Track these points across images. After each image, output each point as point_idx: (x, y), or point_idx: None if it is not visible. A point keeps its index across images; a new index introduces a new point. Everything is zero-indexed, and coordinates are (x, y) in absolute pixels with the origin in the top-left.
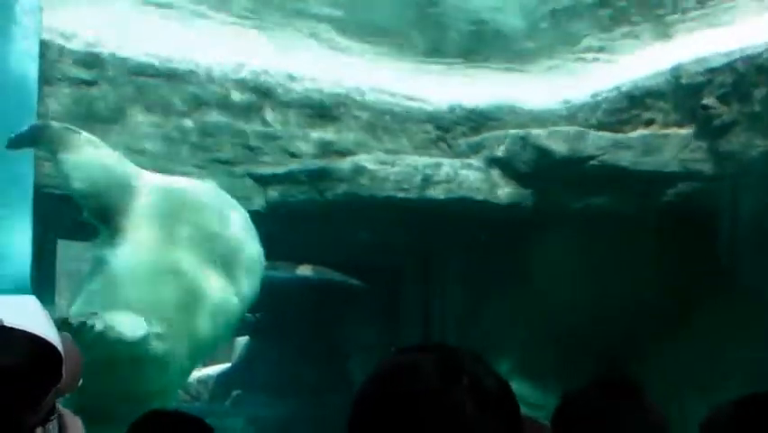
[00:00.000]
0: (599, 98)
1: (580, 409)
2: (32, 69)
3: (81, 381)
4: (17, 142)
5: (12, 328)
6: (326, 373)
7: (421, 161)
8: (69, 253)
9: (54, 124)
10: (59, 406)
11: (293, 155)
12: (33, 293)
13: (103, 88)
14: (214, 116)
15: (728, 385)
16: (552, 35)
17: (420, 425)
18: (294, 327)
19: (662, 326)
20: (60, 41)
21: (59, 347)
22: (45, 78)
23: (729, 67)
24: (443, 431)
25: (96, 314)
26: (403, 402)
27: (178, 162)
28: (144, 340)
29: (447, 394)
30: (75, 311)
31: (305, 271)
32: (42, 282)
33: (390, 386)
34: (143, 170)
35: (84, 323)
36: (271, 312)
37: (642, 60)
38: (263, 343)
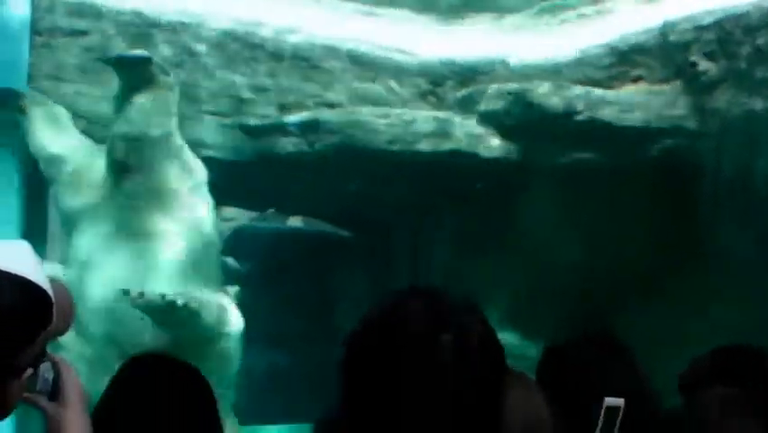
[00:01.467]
0: (587, 54)
1: (564, 361)
2: (22, 18)
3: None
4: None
5: (0, 271)
6: (316, 323)
7: (411, 113)
8: None
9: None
10: (53, 353)
11: (283, 107)
12: (24, 237)
13: (94, 39)
14: (204, 67)
15: (710, 345)
16: None
17: (402, 369)
18: (284, 277)
19: (647, 283)
20: None
21: (49, 291)
22: (36, 29)
23: (716, 24)
24: (423, 376)
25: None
26: (389, 346)
27: None
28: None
29: (431, 340)
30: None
31: (295, 222)
32: (33, 237)
33: (378, 329)
34: None
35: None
36: (262, 263)
37: (631, 17)
38: (253, 293)
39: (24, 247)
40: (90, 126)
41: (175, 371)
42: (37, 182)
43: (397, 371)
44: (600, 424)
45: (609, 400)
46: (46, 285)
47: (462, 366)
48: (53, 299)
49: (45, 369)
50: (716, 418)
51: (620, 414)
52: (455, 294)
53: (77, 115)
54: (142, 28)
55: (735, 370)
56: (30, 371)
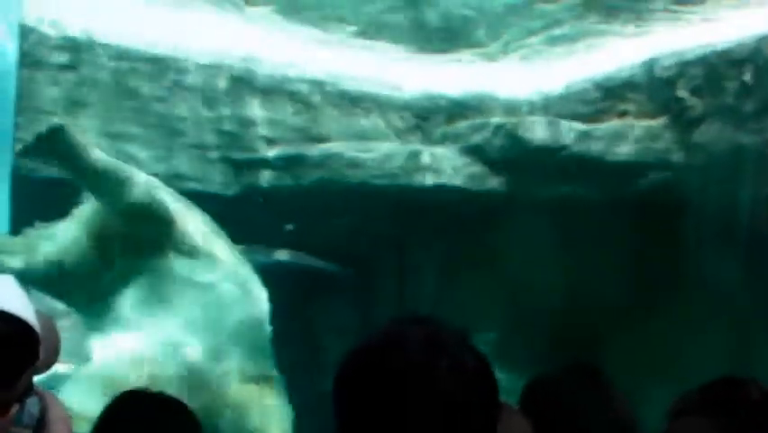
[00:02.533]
0: (573, 89)
1: (548, 394)
2: (10, 54)
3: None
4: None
5: None
6: (302, 355)
7: (397, 148)
8: None
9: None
10: (40, 388)
11: (269, 141)
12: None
13: (82, 73)
14: (191, 102)
15: (690, 379)
16: (527, 24)
17: (400, 397)
18: (271, 310)
19: (630, 316)
20: (41, 27)
21: (36, 326)
22: (24, 63)
23: (702, 60)
24: (422, 405)
25: None
26: (385, 373)
27: (153, 148)
28: None
29: (429, 369)
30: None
31: (282, 255)
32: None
33: (375, 356)
34: None
35: None
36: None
37: (617, 52)
38: None
39: (10, 281)
40: None
41: (164, 406)
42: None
43: (394, 397)
44: None
45: None
46: (33, 320)
47: (460, 396)
48: (40, 335)
49: (31, 403)
50: None
51: None
52: (449, 324)
53: None
54: (130, 62)
55: (719, 399)
56: (16, 406)
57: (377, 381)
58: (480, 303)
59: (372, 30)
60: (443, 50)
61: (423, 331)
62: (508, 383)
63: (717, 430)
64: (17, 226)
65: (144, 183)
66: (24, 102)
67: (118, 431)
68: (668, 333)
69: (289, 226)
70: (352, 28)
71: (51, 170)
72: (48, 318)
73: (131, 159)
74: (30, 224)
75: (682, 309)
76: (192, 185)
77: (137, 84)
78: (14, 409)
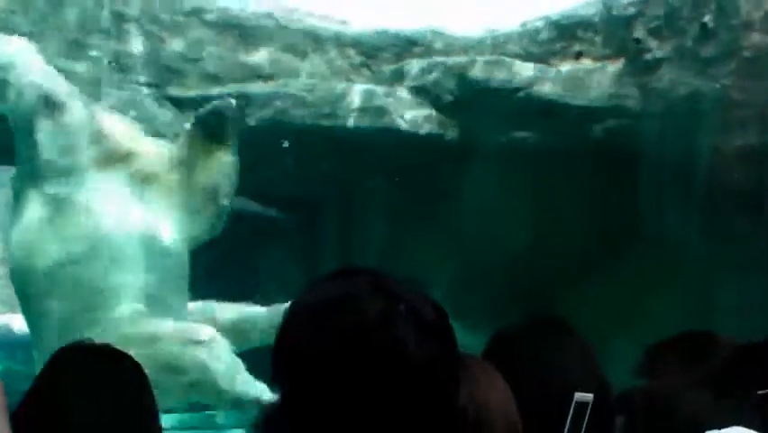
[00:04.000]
0: (527, 27)
1: (514, 348)
2: None
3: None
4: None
5: None
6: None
7: (343, 87)
8: None
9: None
10: None
11: (213, 78)
12: None
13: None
14: (134, 37)
15: (651, 331)
16: None
17: (358, 358)
18: (212, 257)
19: (586, 266)
20: None
21: None
22: None
23: None
24: (382, 366)
25: None
26: (339, 334)
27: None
28: None
29: (385, 326)
30: None
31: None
32: None
33: (323, 317)
34: None
35: None
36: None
37: None
38: None
39: None
40: None
41: (104, 358)
42: None
43: (345, 356)
44: (569, 420)
45: (579, 396)
46: None
47: (422, 351)
48: None
49: None
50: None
51: (588, 409)
52: (396, 275)
53: None
54: None
55: (692, 355)
56: None
57: (323, 340)
58: (431, 253)
59: None
60: None
61: (369, 281)
62: (463, 338)
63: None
64: None
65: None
66: None
67: (58, 385)
68: (627, 284)
69: (285, 143)
70: None
71: None
72: None
73: None
74: None
75: (641, 260)
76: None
77: (75, 15)
78: None
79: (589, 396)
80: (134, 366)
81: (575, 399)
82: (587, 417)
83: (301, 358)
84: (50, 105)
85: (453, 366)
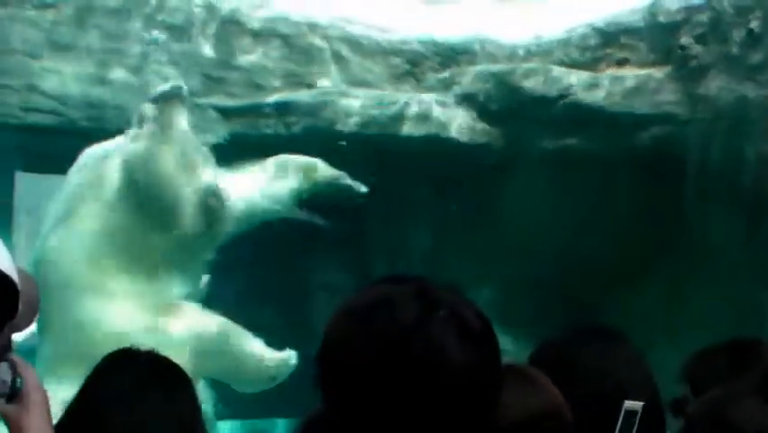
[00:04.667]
0: (572, 35)
1: (563, 356)
2: None
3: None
4: None
5: None
6: (287, 312)
7: (389, 96)
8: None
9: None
10: (10, 355)
11: (258, 87)
12: None
13: (62, 11)
14: (178, 45)
15: (694, 338)
16: None
17: (397, 362)
18: (256, 265)
19: (632, 272)
20: None
21: (16, 279)
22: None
23: (708, 5)
24: (421, 371)
25: None
26: (378, 338)
27: (138, 93)
28: None
29: (425, 329)
30: None
31: None
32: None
33: (364, 321)
34: None
35: None
36: (233, 250)
37: None
38: (224, 282)
39: None
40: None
41: (151, 365)
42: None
43: (385, 362)
44: (618, 428)
45: (628, 404)
46: (12, 273)
47: (462, 356)
48: (19, 289)
49: (3, 370)
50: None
51: (638, 417)
52: (439, 282)
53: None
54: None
55: (749, 362)
56: None
57: (364, 344)
58: (477, 261)
59: None
60: None
61: (413, 288)
62: (507, 346)
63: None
64: None
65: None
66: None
67: (105, 391)
68: (671, 291)
69: (343, 143)
70: None
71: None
72: (27, 274)
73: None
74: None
75: (686, 267)
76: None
77: (115, 23)
78: None
79: (639, 404)
80: (182, 376)
81: (624, 406)
82: (636, 425)
83: (342, 362)
84: None
85: (494, 373)
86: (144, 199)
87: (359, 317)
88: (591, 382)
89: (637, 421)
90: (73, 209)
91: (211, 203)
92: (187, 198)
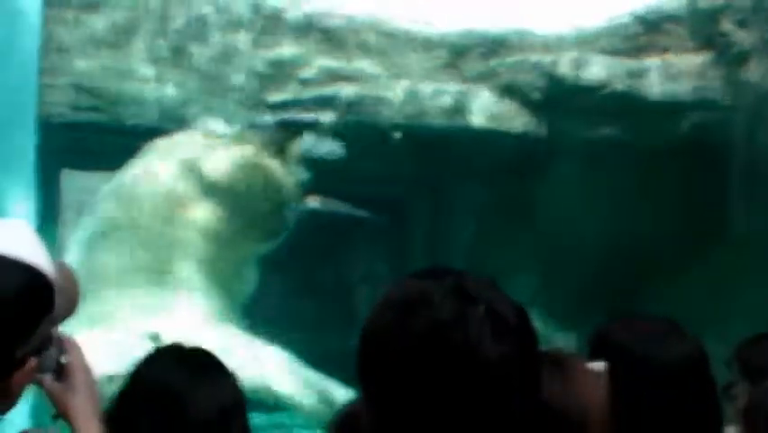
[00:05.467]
0: (613, 23)
1: (621, 339)
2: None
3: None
4: None
5: None
6: (331, 305)
7: (430, 87)
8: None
9: None
10: (59, 331)
11: (302, 81)
12: (37, 225)
13: (104, 12)
14: (221, 41)
15: (736, 330)
16: None
17: (434, 357)
18: (298, 258)
19: (674, 262)
20: None
21: (51, 274)
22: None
23: None
24: (458, 364)
25: None
26: (415, 333)
27: (185, 90)
28: None
29: (462, 324)
30: None
31: (312, 201)
32: (46, 214)
33: (401, 316)
34: None
35: None
36: (278, 243)
37: None
38: (267, 275)
39: (23, 227)
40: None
41: (199, 362)
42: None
43: (422, 357)
44: None
45: (593, 366)
46: (47, 268)
47: (499, 351)
48: (54, 284)
49: (52, 352)
50: None
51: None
52: (478, 275)
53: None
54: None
55: None
56: (33, 360)
57: (402, 338)
58: (518, 252)
59: None
60: None
61: (451, 283)
62: (550, 336)
63: None
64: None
65: None
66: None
67: (150, 383)
68: (714, 281)
69: (397, 134)
70: None
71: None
72: (66, 267)
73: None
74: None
75: (729, 256)
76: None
77: (162, 22)
78: (32, 362)
79: (601, 364)
80: (224, 367)
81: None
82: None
83: (380, 356)
84: None
85: (532, 368)
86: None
87: (397, 312)
88: (651, 362)
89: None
90: None
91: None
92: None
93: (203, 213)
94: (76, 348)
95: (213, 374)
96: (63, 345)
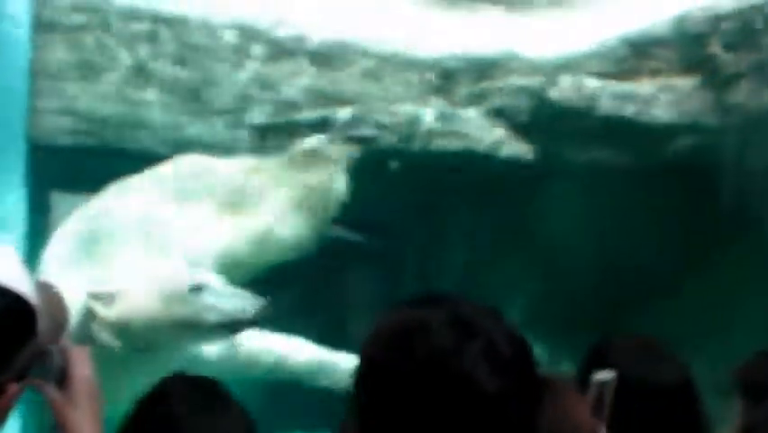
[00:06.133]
0: (603, 47)
1: (611, 361)
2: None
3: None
4: None
5: None
6: (324, 329)
7: (420, 110)
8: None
9: None
10: (64, 341)
11: (291, 105)
12: (28, 248)
13: (96, 34)
14: (207, 64)
15: (733, 347)
16: None
17: (429, 390)
18: (292, 281)
19: (667, 285)
20: None
21: (33, 300)
22: (38, 25)
23: (737, 13)
24: (454, 398)
25: None
26: (411, 364)
27: (172, 113)
28: None
29: (459, 357)
30: None
31: None
32: (37, 237)
33: (397, 345)
34: None
35: None
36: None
37: (646, 5)
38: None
39: (7, 253)
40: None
41: (209, 393)
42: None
43: (418, 390)
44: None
45: (600, 375)
46: (29, 293)
47: (495, 385)
48: (36, 310)
49: (54, 356)
50: None
51: (610, 388)
52: (475, 300)
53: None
54: (145, 23)
55: None
56: (15, 386)
57: (398, 367)
58: (511, 275)
59: None
60: (469, 6)
61: (448, 312)
62: (545, 357)
63: None
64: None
65: None
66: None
67: (158, 415)
68: (704, 304)
69: (392, 162)
70: None
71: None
72: (54, 292)
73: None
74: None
75: (720, 280)
76: (218, 152)
77: (148, 45)
78: (14, 390)
79: (611, 374)
80: (239, 407)
81: (596, 377)
82: (608, 396)
83: (375, 386)
84: None
85: (529, 401)
86: None
87: (393, 341)
88: (638, 386)
89: (610, 393)
90: None
91: None
92: None
93: None
94: (80, 359)
95: (218, 405)
96: (67, 354)
